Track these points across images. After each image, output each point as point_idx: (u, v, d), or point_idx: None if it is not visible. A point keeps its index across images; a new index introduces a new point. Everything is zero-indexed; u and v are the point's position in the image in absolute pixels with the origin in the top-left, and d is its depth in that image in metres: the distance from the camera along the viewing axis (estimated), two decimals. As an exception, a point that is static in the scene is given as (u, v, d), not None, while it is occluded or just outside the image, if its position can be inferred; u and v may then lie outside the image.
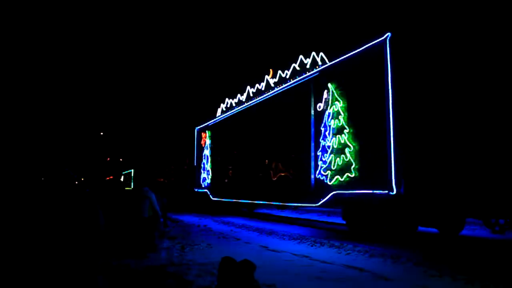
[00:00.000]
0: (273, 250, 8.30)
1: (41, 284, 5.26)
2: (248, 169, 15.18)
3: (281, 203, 12.94)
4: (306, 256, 7.48)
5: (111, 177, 48.36)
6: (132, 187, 39.49)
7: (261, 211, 20.23)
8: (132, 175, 41.07)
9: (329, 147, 10.38)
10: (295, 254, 7.71)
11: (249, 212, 19.22)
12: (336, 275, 5.97)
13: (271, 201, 13.46)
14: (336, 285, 5.49)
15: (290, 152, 12.33)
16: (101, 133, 72.98)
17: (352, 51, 9.87)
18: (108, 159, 62.30)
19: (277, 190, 12.94)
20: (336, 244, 8.58)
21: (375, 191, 8.84)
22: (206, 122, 20.01)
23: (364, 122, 9.39)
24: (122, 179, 48.09)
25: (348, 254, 7.68)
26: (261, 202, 14.39)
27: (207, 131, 19.72)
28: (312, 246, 8.75)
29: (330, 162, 10.28)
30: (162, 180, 29.95)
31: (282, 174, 12.67)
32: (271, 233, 10.97)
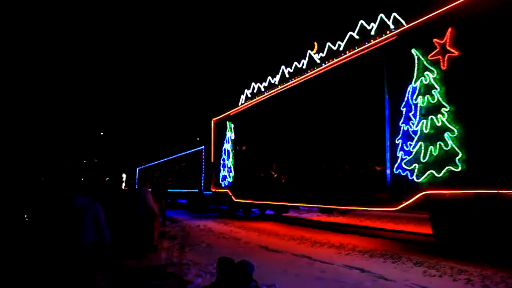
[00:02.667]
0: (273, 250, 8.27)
1: (41, 283, 5.16)
2: (286, 165, 12.63)
3: (337, 206, 10.36)
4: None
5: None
6: (135, 187, 36.91)
7: (289, 214, 17.64)
8: (137, 174, 38.47)
9: (415, 132, 7.84)
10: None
11: (276, 215, 16.66)
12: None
13: (322, 203, 10.90)
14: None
15: (351, 142, 9.78)
16: (101, 133, 70.55)
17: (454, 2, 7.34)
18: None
19: (331, 190, 10.39)
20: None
21: (503, 191, 6.30)
22: (227, 112, 17.41)
23: (475, 96, 6.85)
24: (125, 178, 45.49)
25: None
26: (308, 204, 11.85)
27: (227, 122, 17.12)
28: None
29: (418, 152, 7.74)
30: (170, 179, 27.45)
31: (339, 169, 10.12)
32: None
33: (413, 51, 7.99)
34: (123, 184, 45.57)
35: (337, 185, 10.16)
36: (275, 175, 13.35)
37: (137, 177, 38.34)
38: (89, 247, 4.47)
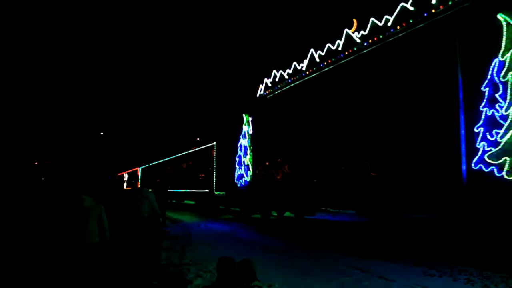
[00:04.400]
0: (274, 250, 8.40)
1: (43, 283, 5.63)
2: (318, 162, 11.03)
3: (388, 212, 8.75)
4: None
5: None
6: (138, 187, 35.32)
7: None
8: (139, 173, 36.88)
9: (504, 117, 6.25)
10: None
11: (296, 218, 15.06)
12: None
13: (366, 208, 9.31)
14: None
15: (408, 132, 8.18)
16: (101, 133, 69.16)
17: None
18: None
19: (382, 191, 8.76)
20: None
21: None
22: (243, 104, 15.82)
23: None
24: (126, 178, 43.91)
25: None
26: (345, 208, 10.27)
27: (244, 115, 15.52)
28: None
29: (509, 143, 6.15)
30: (173, 179, 25.89)
31: (393, 166, 8.51)
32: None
33: (500, 16, 6.40)
34: (125, 184, 43.99)
35: (388, 185, 8.56)
36: (303, 173, 11.75)
37: (140, 177, 36.75)
38: (93, 247, 4.52)
